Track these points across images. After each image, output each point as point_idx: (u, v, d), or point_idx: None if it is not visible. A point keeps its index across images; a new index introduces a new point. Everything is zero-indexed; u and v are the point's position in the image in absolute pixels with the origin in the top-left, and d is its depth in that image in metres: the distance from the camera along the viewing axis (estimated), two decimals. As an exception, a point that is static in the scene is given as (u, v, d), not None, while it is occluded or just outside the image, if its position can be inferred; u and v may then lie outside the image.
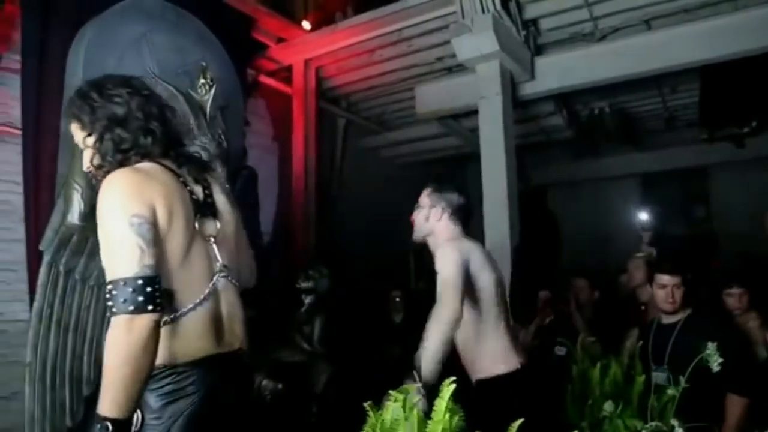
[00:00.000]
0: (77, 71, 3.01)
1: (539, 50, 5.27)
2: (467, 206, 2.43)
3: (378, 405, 1.49)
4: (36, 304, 2.50)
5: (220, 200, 1.75)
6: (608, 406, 2.16)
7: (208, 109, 2.93)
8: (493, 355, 2.28)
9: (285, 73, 5.65)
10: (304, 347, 2.85)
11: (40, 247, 2.58)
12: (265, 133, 5.57)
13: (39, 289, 2.51)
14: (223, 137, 2.93)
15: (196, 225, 1.62)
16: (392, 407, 1.33)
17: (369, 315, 5.32)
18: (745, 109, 6.32)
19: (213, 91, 2.96)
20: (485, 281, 2.28)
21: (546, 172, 8.73)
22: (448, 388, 1.22)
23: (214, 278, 1.64)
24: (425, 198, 2.43)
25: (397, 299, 4.87)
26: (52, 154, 3.21)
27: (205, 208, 1.67)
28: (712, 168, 8.36)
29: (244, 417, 1.73)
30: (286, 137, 5.66)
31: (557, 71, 5.18)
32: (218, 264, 1.66)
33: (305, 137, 5.52)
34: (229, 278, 1.70)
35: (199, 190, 1.68)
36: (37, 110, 3.38)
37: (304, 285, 2.96)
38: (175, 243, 1.54)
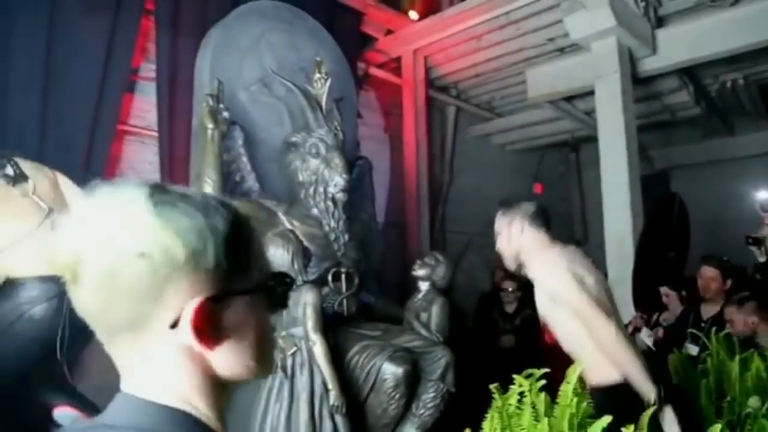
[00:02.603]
0: (204, 74, 3.25)
1: (660, 22, 4.93)
2: (541, 209, 2.32)
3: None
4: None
5: (26, 166, 2.49)
6: (754, 402, 1.97)
7: (324, 103, 3.03)
8: (606, 362, 2.04)
9: (394, 64, 5.70)
10: (422, 333, 2.88)
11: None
12: (376, 125, 5.66)
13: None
14: (339, 129, 3.02)
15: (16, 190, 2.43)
16: (517, 391, 1.32)
17: (484, 305, 5.28)
18: None
19: (328, 84, 3.05)
20: (590, 284, 2.11)
21: (671, 154, 8.13)
22: (575, 373, 1.18)
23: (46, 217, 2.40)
24: (498, 222, 2.33)
25: (510, 290, 4.82)
26: (185, 152, 3.48)
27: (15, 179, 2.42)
28: None
29: None
30: (396, 128, 5.72)
31: (682, 43, 4.82)
32: (44, 207, 2.42)
33: (416, 127, 5.55)
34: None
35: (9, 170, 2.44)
36: (170, 113, 3.67)
37: (420, 272, 2.98)
38: None
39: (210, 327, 0.64)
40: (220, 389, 0.69)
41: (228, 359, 0.67)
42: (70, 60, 3.22)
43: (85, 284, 0.62)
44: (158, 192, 0.65)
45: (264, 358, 0.72)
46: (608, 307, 2.10)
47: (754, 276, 3.96)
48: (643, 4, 4.63)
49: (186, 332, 0.63)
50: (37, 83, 3.09)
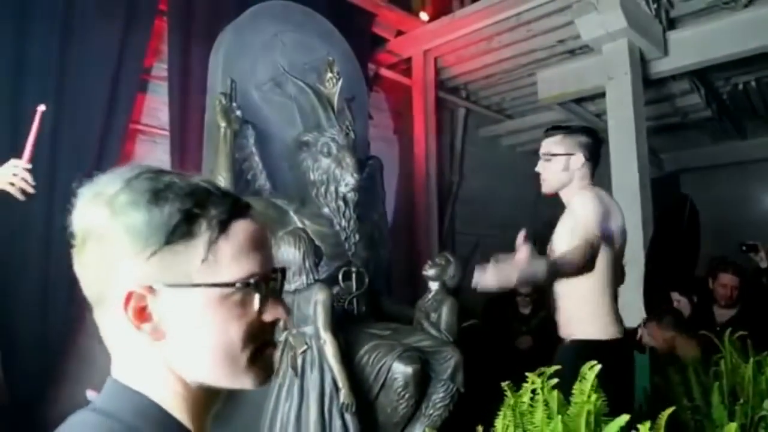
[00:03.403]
0: (217, 74, 3.27)
1: (672, 24, 4.91)
2: (600, 147, 2.27)
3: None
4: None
5: None
6: (768, 405, 1.96)
7: (335, 102, 3.05)
8: (598, 318, 2.11)
9: (404, 65, 5.71)
10: (432, 333, 2.88)
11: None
12: (385, 126, 5.67)
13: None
14: (350, 128, 3.03)
15: None
16: (530, 389, 1.31)
17: (493, 307, 5.28)
18: None
19: (340, 84, 3.06)
20: (616, 239, 2.16)
21: (681, 156, 8.10)
22: (591, 370, 1.18)
23: None
24: (557, 145, 2.22)
25: (525, 292, 4.86)
26: (196, 151, 3.50)
27: None
28: None
29: None
30: (406, 129, 5.73)
31: (694, 45, 4.79)
32: None
33: (425, 128, 5.55)
34: None
35: None
36: (182, 112, 3.68)
37: (430, 272, 2.99)
38: None
39: (146, 315, 0.63)
40: (194, 391, 0.67)
41: (180, 355, 0.65)
42: (83, 60, 3.24)
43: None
44: (139, 177, 0.66)
45: (234, 364, 0.66)
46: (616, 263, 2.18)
47: (760, 280, 3.96)
48: (654, 5, 4.61)
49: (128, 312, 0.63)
50: (51, 83, 3.11)
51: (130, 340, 0.65)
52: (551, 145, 2.23)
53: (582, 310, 2.12)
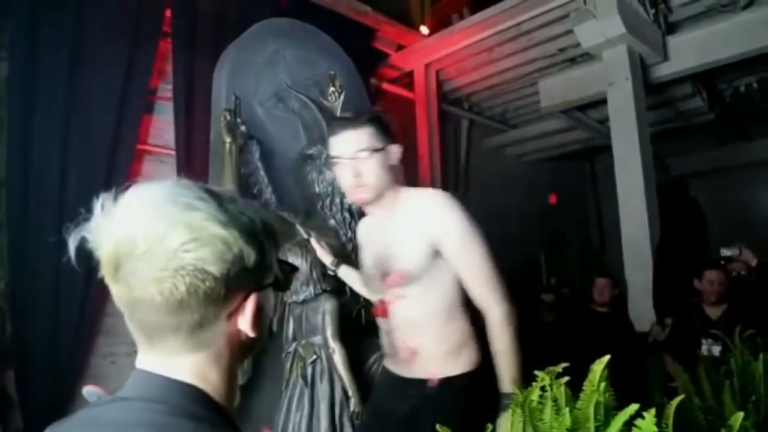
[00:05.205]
0: (221, 91, 3.32)
1: (671, 28, 4.95)
2: None
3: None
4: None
5: None
6: (780, 399, 1.94)
7: (338, 115, 3.08)
8: (463, 346, 1.70)
9: (406, 79, 5.76)
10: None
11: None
12: (389, 140, 5.70)
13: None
14: (354, 140, 3.06)
15: None
16: (539, 386, 1.32)
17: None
18: None
19: (342, 97, 3.11)
20: None
21: (686, 160, 8.11)
22: (600, 364, 1.18)
23: None
24: (372, 138, 1.67)
25: (549, 302, 4.92)
26: (202, 169, 3.53)
27: None
28: None
29: None
30: (410, 142, 5.76)
31: (694, 49, 4.83)
32: None
33: (429, 141, 5.59)
34: None
35: None
36: (187, 131, 3.73)
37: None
38: None
39: (259, 315, 0.71)
40: (238, 361, 0.73)
41: (251, 336, 0.72)
42: (90, 83, 3.30)
43: (136, 282, 0.63)
44: (224, 200, 0.68)
45: (265, 331, 0.77)
46: None
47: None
48: (653, 11, 4.65)
49: (243, 322, 0.70)
50: (59, 106, 3.16)
51: (213, 341, 0.69)
52: (365, 137, 1.66)
53: (444, 341, 1.69)
